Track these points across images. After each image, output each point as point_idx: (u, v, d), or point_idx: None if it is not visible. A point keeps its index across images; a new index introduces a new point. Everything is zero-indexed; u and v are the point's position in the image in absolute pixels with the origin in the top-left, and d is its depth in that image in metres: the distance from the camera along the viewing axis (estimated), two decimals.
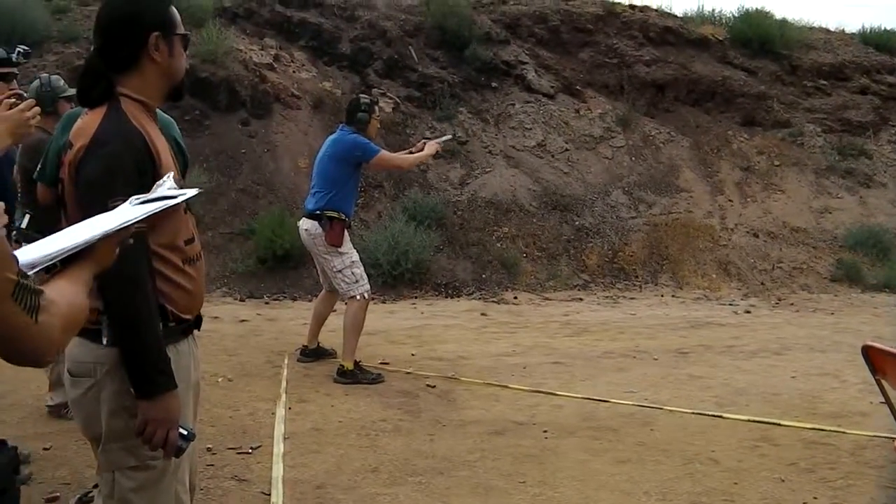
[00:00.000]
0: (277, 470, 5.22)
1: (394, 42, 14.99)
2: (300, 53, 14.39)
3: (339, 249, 7.40)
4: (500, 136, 14.61)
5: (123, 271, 2.58)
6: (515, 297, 11.84)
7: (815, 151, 16.45)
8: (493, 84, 15.21)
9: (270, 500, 4.81)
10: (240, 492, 4.97)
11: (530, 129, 14.89)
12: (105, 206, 2.34)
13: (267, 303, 10.79)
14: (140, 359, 2.65)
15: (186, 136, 3.66)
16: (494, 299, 11.69)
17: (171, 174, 2.57)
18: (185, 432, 2.74)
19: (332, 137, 7.85)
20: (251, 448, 5.61)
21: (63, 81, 5.91)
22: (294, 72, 13.97)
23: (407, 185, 13.17)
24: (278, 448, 5.59)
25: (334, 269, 7.47)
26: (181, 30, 2.93)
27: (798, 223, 14.80)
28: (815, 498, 5.09)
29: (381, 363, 7.96)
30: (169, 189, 2.42)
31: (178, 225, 2.87)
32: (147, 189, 2.63)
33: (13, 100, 3.41)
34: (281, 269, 10.97)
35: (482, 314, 10.84)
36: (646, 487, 5.17)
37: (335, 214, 7.39)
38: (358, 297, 7.41)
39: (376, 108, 7.94)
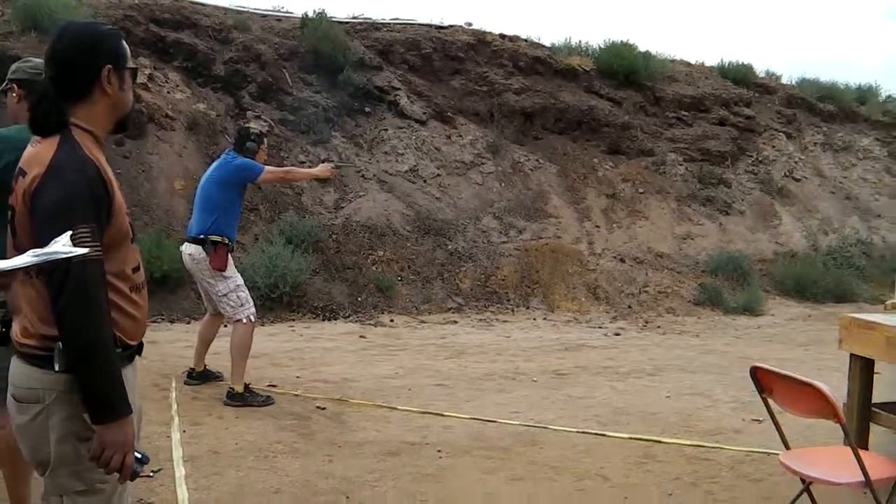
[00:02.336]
0: (182, 493, 5.26)
1: (268, 65, 15.02)
2: (174, 74, 14.29)
3: (224, 273, 7.41)
4: (373, 161, 14.77)
5: (86, 299, 2.66)
6: (392, 320, 11.98)
7: (676, 179, 17.09)
8: (367, 109, 15.37)
9: None
10: None
11: (403, 154, 15.09)
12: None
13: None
14: (100, 384, 2.71)
15: None
16: (371, 322, 11.81)
17: (70, 233, 2.61)
18: (139, 455, 2.82)
19: (217, 162, 7.90)
20: (152, 472, 5.61)
21: None
22: (168, 92, 13.87)
23: (283, 209, 13.22)
24: (179, 471, 5.61)
25: (219, 294, 7.48)
26: (130, 63, 3.02)
27: (662, 249, 15.35)
28: None
29: (269, 385, 8.01)
30: (63, 245, 2.50)
31: (126, 253, 2.94)
32: (103, 216, 2.74)
33: None
34: (159, 291, 10.86)
35: (360, 336, 10.95)
36: (542, 503, 5.38)
37: (219, 239, 7.41)
38: (244, 319, 7.43)
39: (265, 139, 7.94)
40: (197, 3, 15.88)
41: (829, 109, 20.92)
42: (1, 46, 12.66)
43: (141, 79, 13.73)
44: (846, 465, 4.43)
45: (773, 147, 19.00)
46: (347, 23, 16.80)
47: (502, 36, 18.02)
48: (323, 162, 8.83)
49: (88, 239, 2.62)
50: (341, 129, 14.92)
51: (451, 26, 17.80)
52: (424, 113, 15.86)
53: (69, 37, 2.96)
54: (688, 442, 6.80)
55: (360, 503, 5.29)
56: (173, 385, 7.75)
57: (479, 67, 16.98)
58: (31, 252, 2.40)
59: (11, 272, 2.14)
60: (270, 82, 14.84)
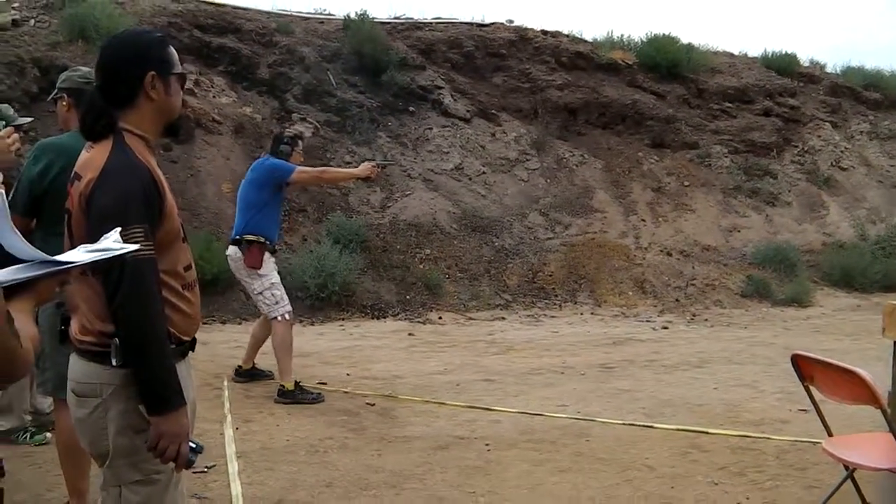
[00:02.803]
0: (235, 487, 5.38)
1: (312, 68, 15.19)
2: (219, 79, 14.49)
3: (259, 272, 7.54)
4: (418, 160, 14.89)
5: (142, 295, 2.78)
6: (440, 318, 12.09)
7: (721, 172, 17.06)
8: (411, 108, 15.50)
9: None
10: None
11: (447, 152, 15.20)
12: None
13: None
14: (155, 378, 2.83)
15: None
16: (420, 320, 11.93)
17: (119, 229, 2.72)
18: (193, 445, 2.93)
19: (252, 165, 8.13)
20: (206, 468, 5.75)
21: (13, 111, 5.97)
22: (214, 97, 14.07)
23: (329, 209, 13.36)
24: (233, 467, 5.75)
25: (255, 292, 7.65)
26: (178, 69, 3.11)
27: (708, 241, 15.35)
28: (748, 498, 5.42)
29: (319, 383, 8.14)
30: (114, 242, 2.60)
31: (179, 253, 3.05)
32: (156, 217, 2.86)
33: None
34: (209, 293, 11.03)
35: (409, 334, 11.07)
36: (589, 494, 5.45)
37: (253, 238, 7.54)
38: (279, 317, 7.57)
39: (300, 142, 8.12)
40: (239, 8, 16.10)
41: (875, 97, 20.74)
42: (49, 56, 12.91)
43: (187, 84, 13.94)
44: (889, 451, 4.46)
45: (819, 137, 18.90)
46: (389, 23, 16.97)
47: (544, 32, 18.11)
48: (366, 162, 8.88)
49: (141, 238, 2.73)
50: (386, 129, 15.06)
51: (493, 24, 17.90)
52: (468, 111, 15.96)
53: (114, 46, 3.08)
54: (734, 433, 6.84)
55: (408, 495, 5.39)
56: (225, 384, 7.91)
57: (521, 64, 17.07)
58: (82, 247, 2.50)
59: (56, 274, 2.24)
60: (314, 84, 15.01)
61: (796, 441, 6.52)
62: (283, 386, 7.55)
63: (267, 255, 7.63)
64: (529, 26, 18.14)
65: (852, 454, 4.69)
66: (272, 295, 7.56)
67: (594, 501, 5.34)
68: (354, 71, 15.59)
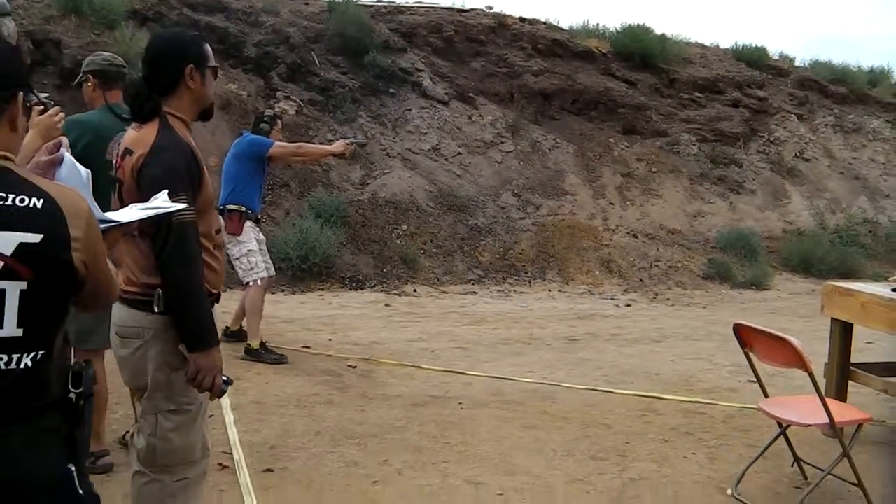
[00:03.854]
0: (233, 434, 5.97)
1: (297, 48, 15.66)
2: None
3: (238, 238, 8.11)
4: (397, 140, 15.40)
5: (185, 251, 3.36)
6: (415, 290, 12.66)
7: (689, 159, 17.67)
8: (391, 90, 15.98)
9: (233, 457, 5.56)
10: None
11: (426, 133, 15.72)
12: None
13: None
14: (196, 321, 3.42)
15: None
16: (396, 292, 12.49)
17: (166, 191, 3.29)
18: (225, 378, 3.52)
19: (235, 141, 8.81)
20: None
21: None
22: None
23: (311, 185, 13.88)
24: (229, 417, 6.33)
25: (233, 257, 8.18)
26: (212, 62, 3.70)
27: (674, 225, 15.98)
28: (694, 454, 6.07)
29: (304, 347, 8.72)
30: (164, 201, 3.17)
31: (211, 217, 3.65)
32: (196, 187, 3.44)
33: (41, 107, 4.06)
34: None
35: (386, 305, 11.63)
36: (552, 446, 6.09)
37: (235, 207, 8.12)
38: (252, 282, 8.17)
39: (279, 121, 8.81)
40: None
41: (841, 91, 21.32)
42: (42, 30, 13.33)
43: None
44: (816, 410, 5.10)
45: (785, 128, 19.50)
46: (372, 6, 17.42)
47: (522, 19, 18.62)
48: (341, 140, 9.52)
49: (186, 203, 3.31)
50: (367, 109, 15.55)
51: (473, 9, 18.41)
52: (447, 94, 16.47)
53: (158, 43, 3.73)
54: (686, 398, 7.50)
55: (390, 444, 6.00)
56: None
57: (499, 50, 17.58)
58: (135, 206, 3.06)
59: (118, 227, 2.80)
60: (299, 64, 15.47)
61: (743, 407, 7.17)
62: (249, 344, 8.15)
63: (249, 223, 8.20)
64: (508, 13, 18.67)
65: (785, 412, 5.33)
66: (248, 261, 8.12)
67: (556, 452, 5.97)
68: (338, 52, 16.06)
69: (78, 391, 2.39)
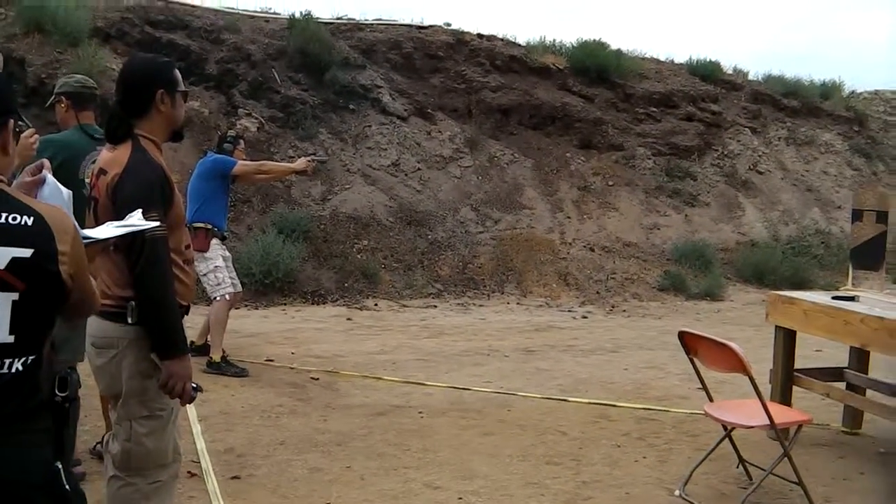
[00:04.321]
0: (200, 443, 6.17)
1: (258, 65, 15.84)
2: None
3: (205, 255, 8.32)
4: (357, 156, 15.61)
5: (157, 265, 3.58)
6: (376, 304, 12.87)
7: (645, 173, 18.01)
8: (351, 106, 16.19)
9: (200, 466, 5.76)
10: None
11: (385, 149, 15.94)
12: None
13: None
14: (167, 331, 3.64)
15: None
16: (357, 306, 12.69)
17: (140, 210, 3.52)
18: (194, 385, 3.74)
19: (200, 160, 9.07)
20: None
21: None
22: None
23: (273, 201, 14.07)
24: (196, 427, 6.53)
25: (200, 274, 8.37)
26: (182, 87, 3.92)
27: (630, 238, 16.30)
28: (644, 457, 6.35)
29: (267, 360, 8.94)
30: (138, 219, 3.39)
31: (182, 234, 3.87)
32: (167, 205, 3.65)
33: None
34: None
35: (348, 318, 11.84)
36: (508, 451, 6.34)
37: (201, 225, 8.35)
38: (219, 297, 8.42)
39: (241, 141, 9.09)
40: (188, 6, 16.70)
41: (794, 105, 21.74)
42: (5, 48, 13.41)
43: None
44: (757, 412, 5.37)
45: (739, 141, 19.89)
46: (332, 23, 17.62)
47: (480, 35, 18.88)
48: (307, 156, 9.80)
49: (157, 220, 3.52)
50: (327, 126, 15.75)
51: (431, 26, 18.64)
52: (406, 110, 16.71)
53: (130, 68, 3.96)
54: (638, 405, 7.79)
55: (352, 451, 6.22)
56: None
57: (457, 66, 17.83)
58: (110, 224, 3.28)
59: (96, 243, 3.03)
60: (260, 81, 15.66)
61: (692, 413, 7.44)
62: (211, 358, 8.36)
63: (215, 241, 8.46)
64: (466, 30, 18.93)
65: (729, 415, 5.61)
66: (215, 277, 8.39)
67: (512, 458, 6.22)
68: (298, 69, 16.25)
69: (64, 394, 2.62)
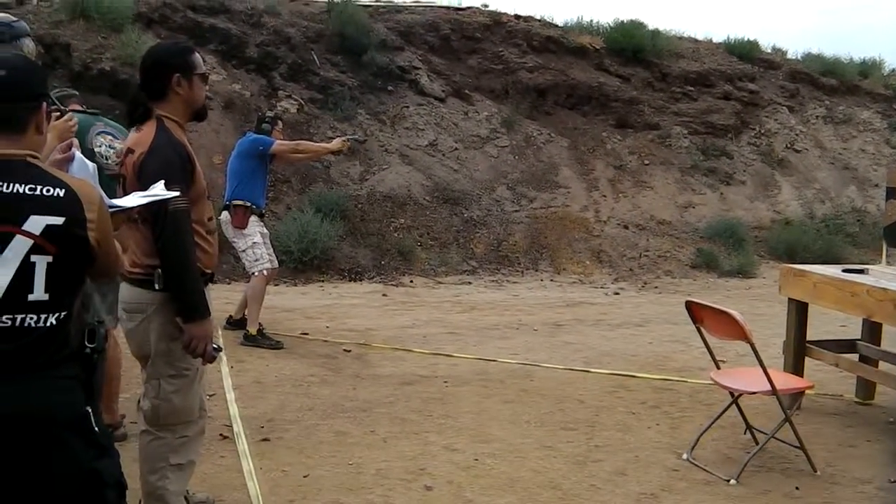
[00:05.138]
0: (233, 409, 6.52)
1: (297, 47, 16.17)
2: (211, 57, 15.39)
3: (244, 231, 8.64)
4: (395, 136, 15.91)
5: (179, 235, 3.90)
6: (411, 281, 13.19)
7: (681, 152, 18.15)
8: (389, 88, 16.48)
9: (233, 430, 6.10)
10: (207, 425, 6.23)
11: (423, 129, 16.23)
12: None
13: None
14: (190, 295, 3.95)
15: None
16: (393, 283, 13.02)
17: (162, 182, 3.85)
18: (216, 346, 4.05)
19: (239, 140, 9.38)
20: (208, 395, 6.85)
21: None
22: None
23: (312, 181, 14.41)
24: (230, 395, 6.88)
25: (240, 249, 8.83)
26: (200, 70, 4.23)
27: (664, 216, 16.48)
28: (657, 424, 6.61)
29: (302, 333, 9.27)
30: (161, 190, 3.71)
31: (203, 207, 4.20)
32: (189, 180, 3.97)
33: (57, 112, 4.58)
34: None
35: (383, 295, 12.16)
36: (526, 418, 6.64)
37: (240, 203, 8.66)
38: (257, 273, 8.71)
39: (279, 121, 9.34)
40: None
41: (832, 83, 21.72)
42: (51, 34, 13.84)
43: None
44: (760, 379, 5.62)
45: (776, 120, 19.95)
46: (370, 6, 17.91)
47: (517, 16, 19.08)
48: (338, 137, 10.11)
49: (181, 194, 3.83)
50: (366, 107, 16.06)
51: (469, 8, 18.91)
52: (443, 91, 16.98)
53: (148, 55, 4.31)
54: (657, 376, 8.04)
55: (377, 417, 6.54)
56: (219, 331, 8.98)
57: (494, 47, 18.07)
58: (137, 193, 3.62)
59: (122, 211, 3.37)
60: (300, 63, 15.98)
61: (709, 384, 7.66)
62: (247, 331, 8.72)
63: (254, 217, 8.72)
64: (503, 10, 19.16)
65: (734, 382, 5.87)
66: (253, 252, 8.67)
67: (530, 424, 6.52)
68: (337, 51, 16.56)
69: (92, 346, 2.96)
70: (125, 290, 4.15)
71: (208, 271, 4.25)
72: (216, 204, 11.88)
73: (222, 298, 10.81)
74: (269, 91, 15.48)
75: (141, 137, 4.06)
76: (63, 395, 2.83)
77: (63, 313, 2.82)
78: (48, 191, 2.79)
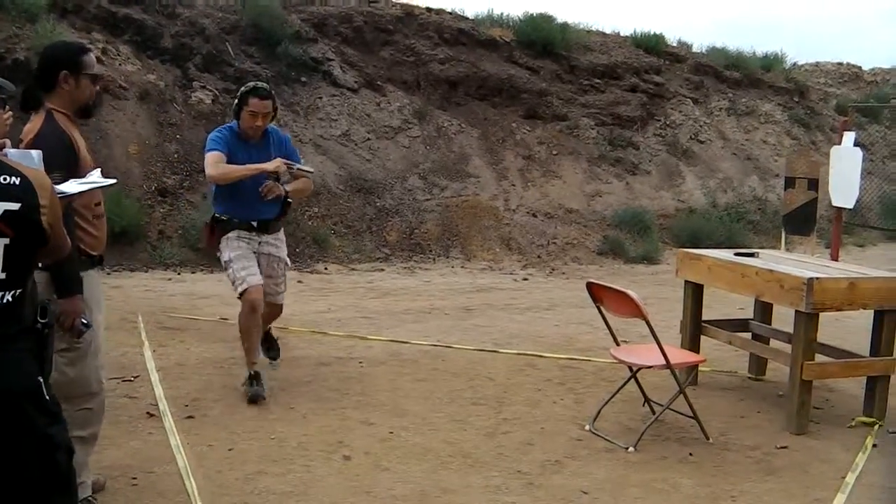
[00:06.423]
0: (159, 390, 6.81)
1: (212, 38, 16.30)
2: (125, 47, 15.50)
3: (220, 247, 7.05)
4: (309, 127, 16.14)
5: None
6: (326, 268, 13.48)
7: (588, 142, 18.65)
8: (303, 79, 16.70)
9: (159, 408, 6.39)
10: (133, 405, 6.53)
11: (336, 120, 16.48)
12: None
13: (108, 273, 12.10)
14: (64, 275, 4.24)
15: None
16: (308, 270, 13.28)
17: (99, 169, 4.18)
18: (84, 321, 4.29)
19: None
20: (132, 377, 7.16)
21: None
22: (120, 65, 15.11)
23: None
24: (154, 376, 7.16)
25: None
26: (90, 71, 4.61)
27: (572, 205, 16.96)
28: (562, 399, 7.08)
29: (221, 318, 9.52)
30: (98, 177, 4.05)
31: (92, 193, 4.49)
32: (71, 167, 4.29)
33: None
34: (119, 244, 12.15)
35: (298, 282, 12.40)
36: (439, 395, 7.05)
37: (217, 216, 7.10)
38: (238, 297, 6.97)
39: (249, 98, 7.23)
40: None
41: (735, 76, 22.41)
42: None
43: (95, 53, 14.96)
44: (656, 354, 6.07)
45: (681, 112, 20.56)
46: None
47: (429, 9, 19.38)
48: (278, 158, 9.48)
49: (59, 179, 4.03)
50: (280, 98, 16.11)
51: (381, 0, 19.18)
52: (356, 82, 17.23)
53: (45, 49, 4.76)
54: (563, 356, 8.49)
55: (297, 395, 6.87)
56: (140, 319, 9.21)
57: (407, 39, 18.36)
58: (74, 181, 3.96)
59: (67, 197, 3.70)
60: (214, 54, 16.12)
61: (612, 362, 8.12)
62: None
63: (233, 233, 7.02)
64: (415, 3, 19.48)
65: (632, 357, 6.32)
66: (231, 273, 6.95)
67: (442, 399, 6.93)
68: (251, 42, 16.72)
69: (44, 321, 3.26)
70: None
71: (94, 254, 4.63)
72: (132, 194, 12.16)
73: (141, 286, 11.05)
74: (183, 82, 15.61)
75: (30, 127, 4.46)
76: (19, 367, 3.14)
77: (18, 290, 3.12)
78: (5, 179, 3.09)
